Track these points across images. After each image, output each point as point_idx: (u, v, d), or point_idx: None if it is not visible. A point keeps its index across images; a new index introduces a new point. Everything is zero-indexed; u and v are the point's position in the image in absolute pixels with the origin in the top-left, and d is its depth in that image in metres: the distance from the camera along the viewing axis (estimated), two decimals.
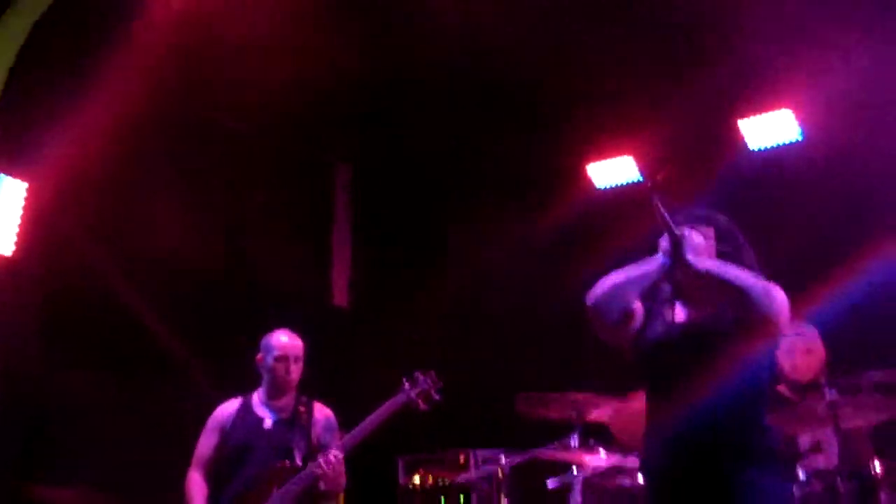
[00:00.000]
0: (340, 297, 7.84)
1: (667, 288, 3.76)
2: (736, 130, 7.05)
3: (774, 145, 7.02)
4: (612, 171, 7.54)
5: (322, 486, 5.22)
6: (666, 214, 3.63)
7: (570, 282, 4.46)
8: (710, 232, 3.80)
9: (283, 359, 5.41)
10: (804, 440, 5.42)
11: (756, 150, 7.06)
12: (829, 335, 5.81)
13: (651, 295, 3.78)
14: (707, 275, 3.64)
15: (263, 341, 5.50)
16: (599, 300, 3.71)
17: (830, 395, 5.04)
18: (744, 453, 3.61)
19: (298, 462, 5.25)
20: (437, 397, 5.37)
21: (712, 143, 7.14)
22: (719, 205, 6.68)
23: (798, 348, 5.62)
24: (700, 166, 7.12)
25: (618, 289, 3.71)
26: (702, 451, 3.62)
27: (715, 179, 7.03)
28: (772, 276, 3.75)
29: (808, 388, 5.54)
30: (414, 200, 7.85)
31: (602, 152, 7.50)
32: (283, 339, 5.47)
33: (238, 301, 7.18)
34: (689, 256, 3.64)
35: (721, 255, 3.75)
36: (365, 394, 5.62)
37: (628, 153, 7.45)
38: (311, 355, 5.58)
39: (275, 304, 6.99)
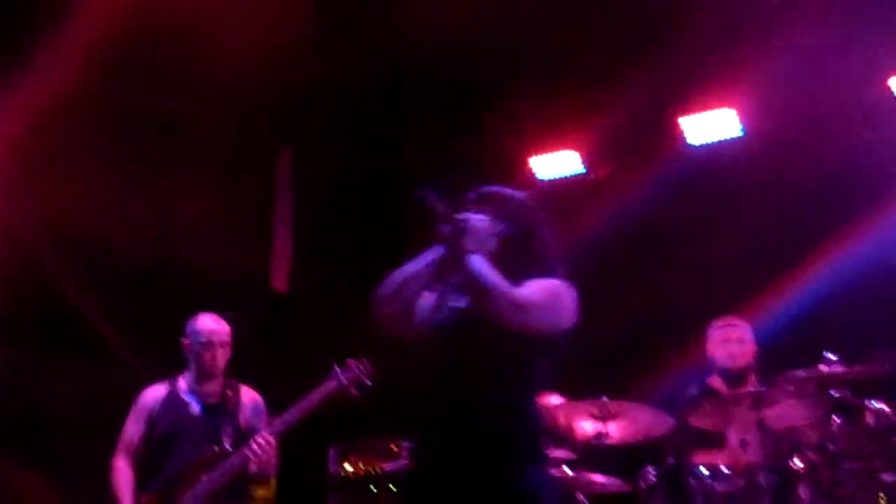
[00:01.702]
0: (280, 281, 7.79)
1: (452, 271, 3.65)
2: (676, 126, 7.11)
3: (715, 141, 7.07)
4: (555, 164, 7.58)
5: (253, 468, 5.18)
6: (439, 205, 3.57)
7: None
8: (501, 212, 3.70)
9: (209, 344, 5.36)
10: (732, 437, 5.47)
11: (696, 145, 7.11)
12: (761, 332, 5.91)
13: (442, 278, 3.70)
14: (468, 272, 3.58)
15: (189, 326, 5.44)
16: (386, 298, 3.69)
17: (756, 391, 5.13)
18: (506, 446, 3.58)
19: (227, 447, 5.21)
20: (368, 384, 5.35)
21: (653, 138, 7.19)
22: (659, 199, 6.91)
23: (731, 338, 5.74)
24: (640, 161, 7.20)
25: (402, 284, 3.68)
26: (465, 441, 3.58)
27: (655, 174, 7.11)
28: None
29: (739, 380, 5.61)
30: (356, 186, 7.81)
31: (545, 146, 7.52)
32: (209, 324, 5.41)
33: (174, 285, 7.09)
34: (468, 243, 3.58)
35: (507, 239, 3.67)
36: (302, 380, 5.60)
37: (571, 147, 7.48)
38: (248, 340, 5.54)
39: (212, 287, 6.93)
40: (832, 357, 5.25)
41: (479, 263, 3.58)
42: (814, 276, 6.42)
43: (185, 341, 5.41)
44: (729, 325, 5.82)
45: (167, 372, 5.51)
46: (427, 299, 3.76)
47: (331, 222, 7.80)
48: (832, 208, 6.59)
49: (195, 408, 5.35)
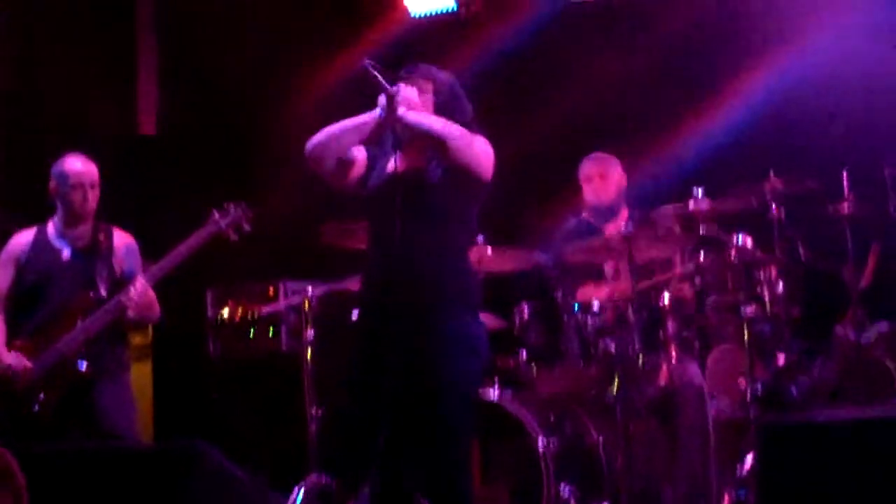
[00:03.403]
0: (148, 124, 7.59)
1: (389, 139, 4.11)
2: None
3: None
4: (427, 0, 7.46)
5: (131, 315, 5.15)
6: (378, 75, 4.02)
7: None
8: (429, 86, 4.14)
9: (79, 186, 5.20)
10: (609, 268, 5.62)
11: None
12: (634, 170, 6.00)
13: (377, 144, 4.15)
14: (415, 126, 4.03)
15: (55, 169, 5.26)
16: (316, 148, 4.11)
17: (627, 227, 5.24)
18: (443, 294, 4.03)
19: (102, 292, 5.14)
20: (247, 228, 5.32)
21: None
22: (533, 39, 6.90)
23: (595, 173, 5.78)
24: None
25: (333, 138, 4.10)
26: (405, 290, 4.01)
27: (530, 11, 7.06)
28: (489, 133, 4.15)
29: (609, 215, 5.72)
30: (224, 19, 7.57)
31: None
32: (77, 166, 5.24)
33: (36, 130, 6.85)
34: (401, 110, 4.01)
35: (438, 108, 4.11)
36: (175, 222, 5.54)
37: None
38: (118, 185, 5.42)
39: (76, 132, 6.73)
40: (699, 193, 5.40)
41: (419, 115, 4.04)
42: (686, 115, 6.53)
43: (52, 184, 5.24)
44: (594, 160, 5.86)
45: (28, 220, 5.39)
46: (362, 157, 4.19)
47: (196, 61, 7.57)
48: (706, 55, 6.66)
49: (66, 252, 5.23)
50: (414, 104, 4.05)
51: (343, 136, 4.09)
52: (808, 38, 6.24)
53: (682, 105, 6.56)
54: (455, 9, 7.41)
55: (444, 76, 4.22)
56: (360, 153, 4.18)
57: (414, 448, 4.01)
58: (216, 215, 5.27)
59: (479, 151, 4.04)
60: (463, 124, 4.08)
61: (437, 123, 4.02)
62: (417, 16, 7.46)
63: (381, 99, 4.04)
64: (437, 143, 4.01)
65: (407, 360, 3.99)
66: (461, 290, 4.08)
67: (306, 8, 7.52)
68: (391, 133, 4.10)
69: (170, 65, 7.55)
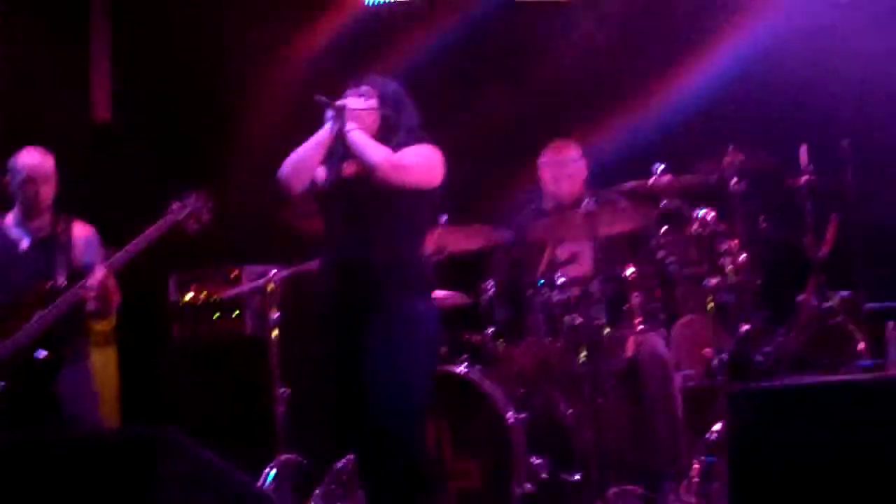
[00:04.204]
0: (102, 110, 7.51)
1: (340, 147, 4.44)
2: None
3: None
4: None
5: (91, 305, 5.11)
6: (328, 103, 4.42)
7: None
8: (374, 93, 4.48)
9: (32, 181, 5.18)
10: (562, 252, 5.61)
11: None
12: (595, 151, 6.03)
13: (329, 152, 4.48)
14: (351, 147, 4.39)
15: (10, 163, 5.24)
16: (289, 175, 4.43)
17: (587, 206, 5.27)
18: (399, 283, 4.35)
19: (60, 282, 5.11)
20: (207, 217, 5.30)
21: None
22: (488, 20, 6.90)
23: (562, 175, 5.78)
24: None
25: (301, 161, 4.43)
26: (361, 282, 4.35)
27: None
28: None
29: (571, 206, 5.72)
30: (179, 2, 7.52)
31: None
32: (31, 160, 5.22)
33: None
34: (349, 125, 4.39)
35: (384, 117, 4.47)
36: (134, 210, 5.49)
37: None
38: (73, 174, 5.37)
39: (31, 120, 6.65)
40: (661, 168, 5.44)
41: (359, 137, 4.38)
42: (645, 93, 6.57)
43: (6, 179, 5.22)
44: (556, 156, 5.85)
45: None
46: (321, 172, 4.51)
47: (151, 44, 7.50)
48: (666, 29, 6.70)
49: (24, 242, 5.20)
50: (359, 116, 4.41)
51: (309, 157, 4.41)
52: (767, 11, 6.30)
53: (640, 80, 6.60)
54: None
55: (391, 86, 4.55)
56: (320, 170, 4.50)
57: (372, 426, 4.26)
58: (175, 205, 5.24)
59: (414, 169, 4.37)
60: (409, 131, 4.44)
61: (369, 151, 4.35)
62: (372, 3, 7.45)
63: (329, 114, 4.42)
64: (368, 168, 4.35)
65: (361, 342, 4.30)
66: (413, 275, 4.40)
67: None
68: (341, 142, 4.43)
69: (124, 49, 7.47)
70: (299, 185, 4.41)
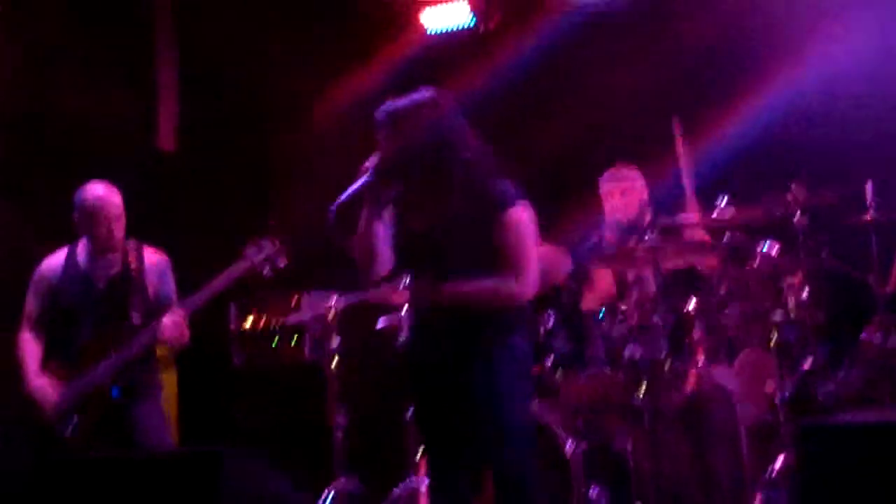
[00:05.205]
0: (167, 140, 7.61)
1: (391, 195, 4.07)
2: None
3: None
4: (445, 16, 7.50)
5: (163, 342, 5.19)
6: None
7: None
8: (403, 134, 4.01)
9: (104, 220, 5.17)
10: (630, 274, 5.61)
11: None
12: (658, 180, 6.02)
13: (378, 199, 4.05)
14: (454, 303, 4.00)
15: (77, 200, 5.23)
16: (334, 229, 4.02)
17: (651, 238, 5.26)
18: (498, 322, 4.03)
19: (136, 321, 5.15)
20: (282, 264, 5.32)
21: None
22: (550, 51, 6.91)
23: (616, 189, 5.81)
24: (531, 10, 7.17)
25: (343, 211, 4.01)
26: (459, 326, 4.01)
27: (547, 25, 7.10)
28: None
29: (631, 230, 5.73)
30: (244, 34, 7.60)
31: None
32: (99, 199, 5.20)
33: (51, 145, 6.81)
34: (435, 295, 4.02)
35: (426, 182, 3.99)
36: (195, 240, 5.55)
37: None
38: (137, 203, 5.40)
39: (93, 147, 6.72)
40: (725, 201, 5.42)
41: (453, 288, 3.99)
42: (710, 125, 6.55)
43: (75, 215, 5.23)
44: (615, 175, 5.88)
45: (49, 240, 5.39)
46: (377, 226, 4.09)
47: (216, 75, 7.60)
48: (729, 62, 6.69)
49: (98, 282, 5.23)
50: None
51: (350, 207, 4.06)
52: (833, 46, 6.27)
53: (704, 112, 6.58)
54: (473, 24, 7.46)
55: (420, 114, 4.12)
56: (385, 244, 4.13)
57: (476, 457, 4.10)
58: (251, 249, 5.28)
59: (538, 277, 4.05)
60: (476, 198, 3.98)
61: (473, 301, 4.00)
62: (434, 32, 7.51)
63: (368, 163, 4.02)
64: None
65: (462, 380, 4.04)
66: (508, 314, 4.08)
67: (326, 25, 7.57)
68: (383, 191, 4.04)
69: (190, 79, 7.57)
70: (344, 233, 4.08)
